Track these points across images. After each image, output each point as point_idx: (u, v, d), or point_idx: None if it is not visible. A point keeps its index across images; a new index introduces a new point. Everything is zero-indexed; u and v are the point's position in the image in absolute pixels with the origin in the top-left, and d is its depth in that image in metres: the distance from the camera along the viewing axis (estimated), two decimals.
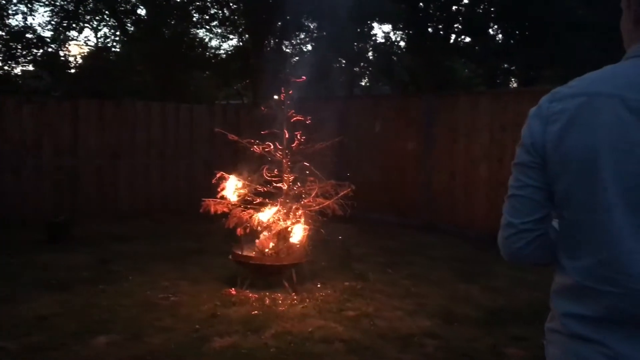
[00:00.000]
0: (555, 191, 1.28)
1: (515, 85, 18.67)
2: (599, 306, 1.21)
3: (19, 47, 12.87)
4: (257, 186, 5.88)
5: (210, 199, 5.72)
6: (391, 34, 18.07)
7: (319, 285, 5.78)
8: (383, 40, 17.44)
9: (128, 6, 14.47)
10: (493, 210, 8.17)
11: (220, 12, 14.43)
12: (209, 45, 15.75)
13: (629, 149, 1.15)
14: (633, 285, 1.15)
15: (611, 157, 1.17)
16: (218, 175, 5.85)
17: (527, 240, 1.34)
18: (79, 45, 16.10)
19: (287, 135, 5.87)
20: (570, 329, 1.26)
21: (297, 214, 5.77)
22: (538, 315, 4.89)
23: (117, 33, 15.34)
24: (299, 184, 5.96)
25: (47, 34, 14.03)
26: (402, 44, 17.37)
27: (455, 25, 15.11)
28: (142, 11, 14.65)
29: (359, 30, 13.55)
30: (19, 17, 14.16)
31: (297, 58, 15.17)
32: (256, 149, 5.93)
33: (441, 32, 14.90)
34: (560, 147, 1.24)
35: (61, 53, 14.36)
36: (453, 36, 15.43)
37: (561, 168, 1.25)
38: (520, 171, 1.33)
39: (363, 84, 18.87)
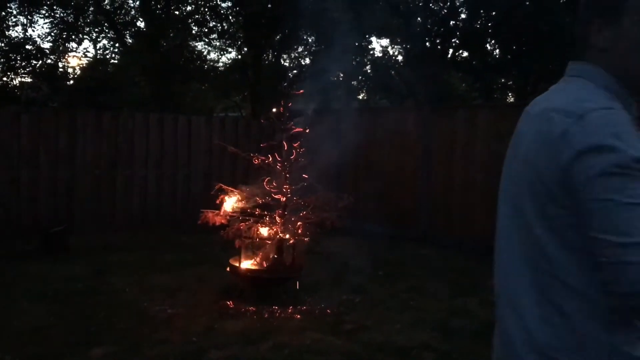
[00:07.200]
0: None
1: (512, 99, 18.76)
2: None
3: (19, 58, 12.92)
4: (257, 197, 5.88)
5: (209, 211, 5.72)
6: (389, 48, 18.18)
7: (316, 298, 5.76)
8: (381, 55, 17.54)
9: (127, 18, 14.53)
10: (490, 223, 8.15)
11: (219, 25, 14.49)
12: (207, 58, 15.81)
13: (512, 154, 1.38)
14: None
15: (506, 160, 1.42)
16: (217, 187, 5.86)
17: None
18: (77, 57, 16.10)
19: (285, 148, 5.88)
20: None
21: (295, 226, 5.76)
22: None
23: (116, 45, 15.41)
24: (296, 197, 5.95)
25: (47, 45, 14.11)
26: (399, 58, 17.47)
27: (453, 40, 15.20)
28: (141, 23, 14.72)
29: (357, 44, 13.63)
30: (19, 28, 14.18)
31: (295, 71, 15.24)
32: (256, 161, 5.94)
33: (439, 47, 14.98)
34: None
35: (60, 64, 14.41)
36: (451, 51, 15.52)
37: None
38: None
39: (360, 97, 18.95)
